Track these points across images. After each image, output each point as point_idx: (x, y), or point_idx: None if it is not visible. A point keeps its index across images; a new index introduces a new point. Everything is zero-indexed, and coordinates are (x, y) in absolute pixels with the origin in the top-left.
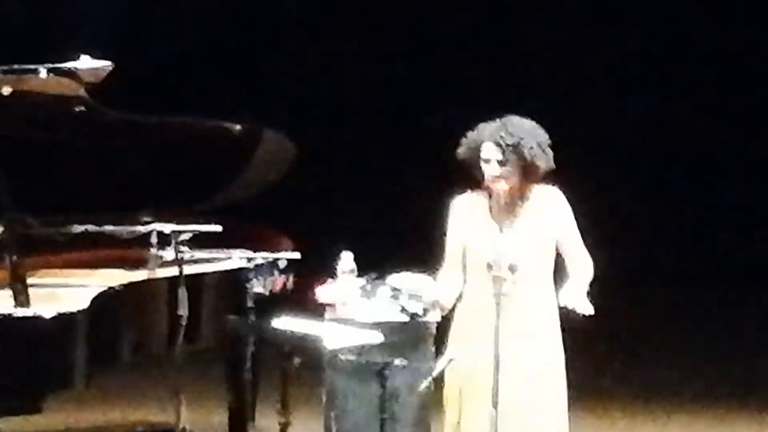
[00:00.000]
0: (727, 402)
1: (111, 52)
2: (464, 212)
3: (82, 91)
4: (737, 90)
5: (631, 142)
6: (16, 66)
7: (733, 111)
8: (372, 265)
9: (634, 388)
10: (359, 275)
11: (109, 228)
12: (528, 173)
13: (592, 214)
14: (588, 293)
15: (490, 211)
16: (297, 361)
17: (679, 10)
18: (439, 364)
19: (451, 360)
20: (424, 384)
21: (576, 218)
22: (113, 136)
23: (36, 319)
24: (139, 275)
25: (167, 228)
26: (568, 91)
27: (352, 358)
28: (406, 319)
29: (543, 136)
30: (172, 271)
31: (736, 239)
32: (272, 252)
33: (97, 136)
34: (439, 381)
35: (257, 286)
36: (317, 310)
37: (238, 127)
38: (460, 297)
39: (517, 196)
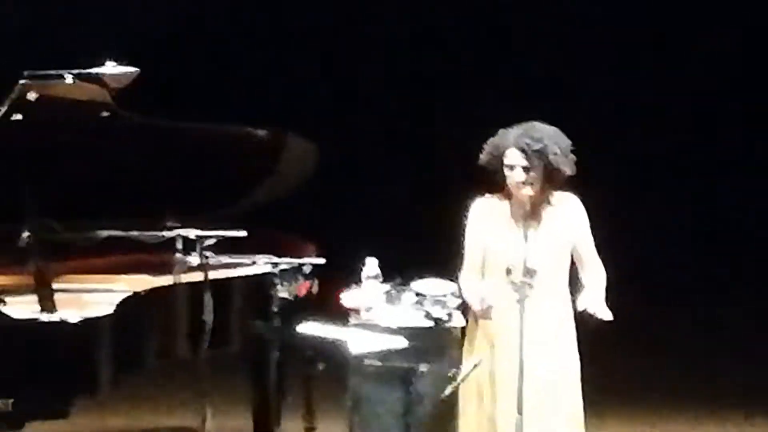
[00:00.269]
0: (742, 408)
1: (134, 57)
2: (484, 216)
3: (107, 97)
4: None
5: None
6: (42, 72)
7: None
8: (396, 271)
9: (647, 394)
10: (384, 281)
11: (134, 233)
12: (551, 179)
13: (602, 218)
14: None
15: (512, 216)
16: (321, 366)
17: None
18: (464, 370)
19: (476, 365)
20: (448, 389)
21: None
22: (138, 142)
23: (61, 324)
24: (164, 280)
25: (192, 233)
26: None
27: (376, 363)
28: (431, 324)
29: (565, 142)
30: (197, 277)
31: (750, 242)
32: (297, 257)
33: (123, 142)
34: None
35: (282, 292)
36: (342, 316)
37: (262, 131)
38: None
39: (539, 201)
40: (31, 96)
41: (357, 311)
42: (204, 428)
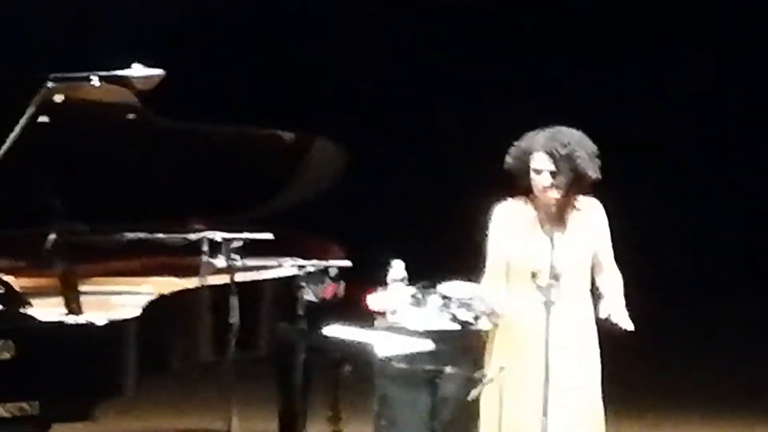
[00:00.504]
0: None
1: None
2: (508, 220)
3: (134, 99)
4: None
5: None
6: (68, 74)
7: None
8: (423, 274)
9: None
10: (410, 283)
11: (160, 236)
12: (577, 183)
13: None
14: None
15: (538, 220)
16: (347, 368)
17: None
18: (490, 373)
19: (502, 368)
20: (474, 392)
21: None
22: (164, 144)
23: (88, 327)
24: (190, 283)
25: (218, 236)
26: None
27: (402, 366)
28: (457, 327)
29: (591, 146)
30: (223, 279)
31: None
32: (323, 260)
33: (149, 144)
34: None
35: (308, 294)
36: (368, 318)
37: (289, 134)
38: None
39: (565, 205)
40: (58, 98)
41: (383, 314)
42: (230, 431)
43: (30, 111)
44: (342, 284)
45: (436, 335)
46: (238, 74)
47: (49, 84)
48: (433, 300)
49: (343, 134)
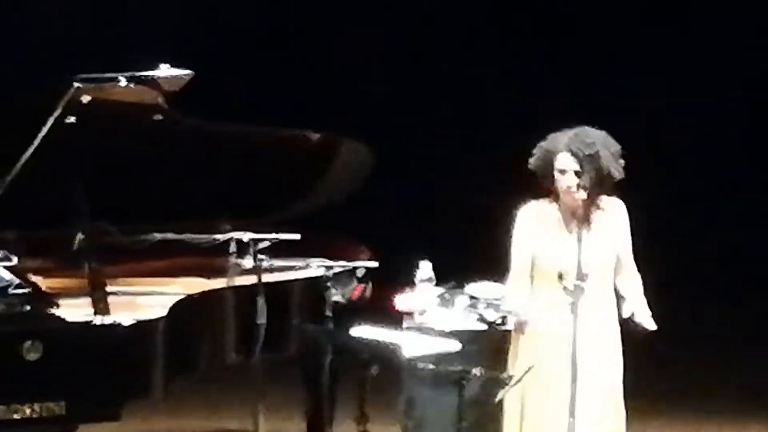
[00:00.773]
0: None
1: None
2: (533, 221)
3: (161, 100)
4: None
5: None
6: (96, 75)
7: None
8: (450, 274)
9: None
10: (437, 284)
11: (188, 236)
12: (601, 183)
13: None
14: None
15: (563, 221)
16: (375, 369)
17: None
18: (518, 373)
19: (529, 368)
20: (501, 393)
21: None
22: (191, 145)
23: (115, 327)
24: (218, 283)
25: (246, 236)
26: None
27: (430, 366)
28: (484, 327)
29: (615, 146)
30: (251, 280)
31: None
32: (350, 260)
33: (176, 145)
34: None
35: (335, 295)
36: (395, 319)
37: (316, 135)
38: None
39: (589, 205)
40: (85, 99)
41: (410, 314)
42: (257, 431)
43: (57, 112)
44: (369, 285)
45: (463, 336)
46: (262, 75)
47: (76, 84)
48: (461, 300)
49: (372, 134)
